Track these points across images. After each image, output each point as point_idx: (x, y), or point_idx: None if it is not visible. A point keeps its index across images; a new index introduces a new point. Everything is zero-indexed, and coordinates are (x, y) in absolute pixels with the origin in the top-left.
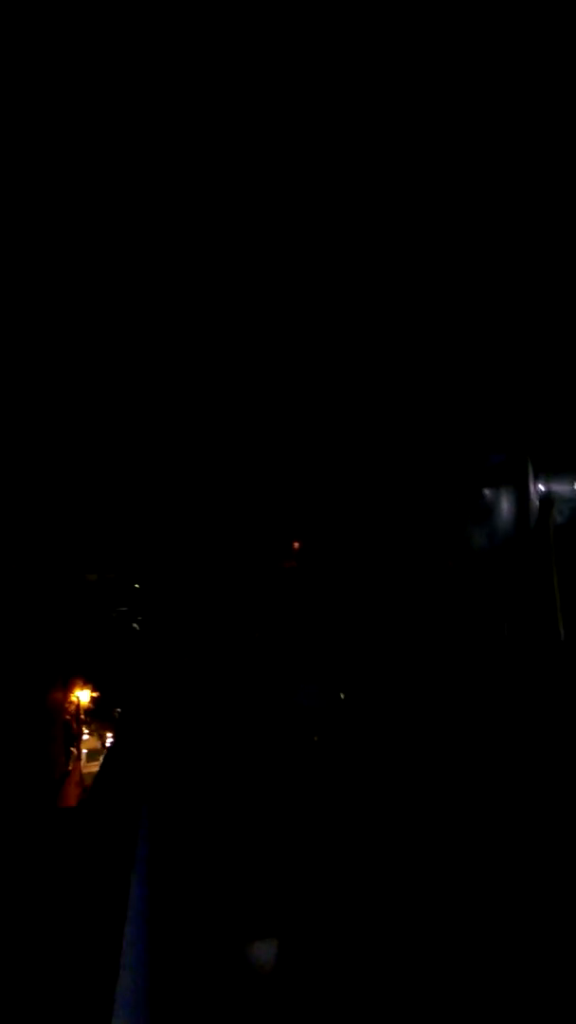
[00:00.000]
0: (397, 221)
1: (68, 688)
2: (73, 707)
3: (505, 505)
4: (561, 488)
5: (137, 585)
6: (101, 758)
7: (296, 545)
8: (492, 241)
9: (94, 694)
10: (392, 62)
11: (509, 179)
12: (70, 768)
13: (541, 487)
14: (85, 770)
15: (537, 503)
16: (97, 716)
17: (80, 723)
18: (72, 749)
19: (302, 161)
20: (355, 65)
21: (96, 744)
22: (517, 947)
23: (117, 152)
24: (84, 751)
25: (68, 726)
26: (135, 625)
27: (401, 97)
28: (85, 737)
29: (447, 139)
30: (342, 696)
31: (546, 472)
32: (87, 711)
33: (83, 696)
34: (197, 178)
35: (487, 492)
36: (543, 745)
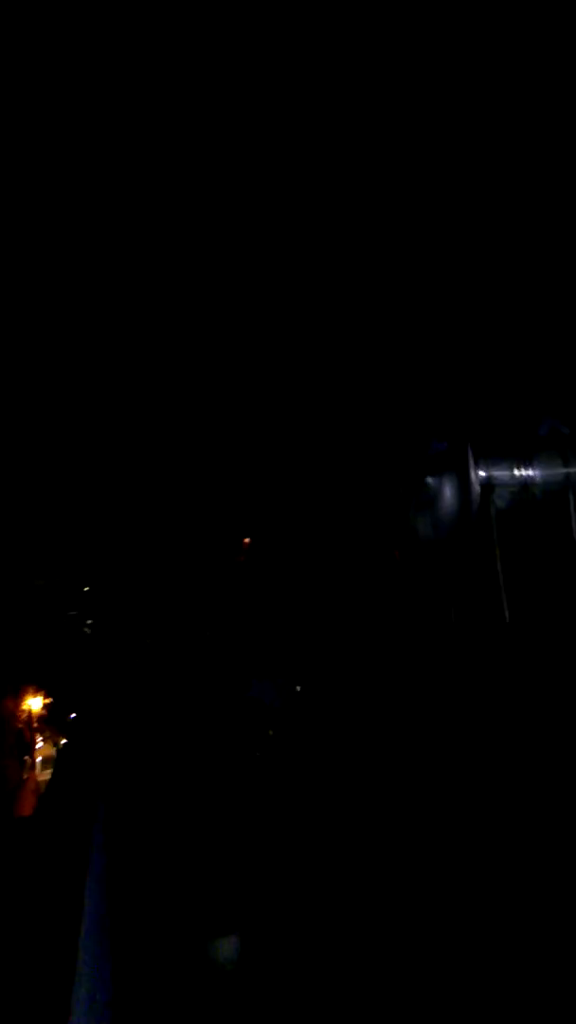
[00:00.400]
0: (343, 221)
1: (19, 696)
2: (25, 715)
3: (448, 492)
4: (500, 474)
5: (87, 588)
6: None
7: (246, 541)
8: (433, 241)
9: (46, 701)
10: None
11: (451, 184)
12: (25, 777)
13: (482, 473)
14: (40, 778)
15: (478, 489)
16: (51, 723)
17: (33, 731)
18: (26, 758)
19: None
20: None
21: (50, 751)
22: (460, 923)
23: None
24: (38, 759)
25: (21, 735)
26: (86, 628)
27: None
28: (39, 745)
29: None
30: (298, 689)
31: (486, 458)
32: (40, 718)
33: (35, 703)
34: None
35: (430, 480)
36: (493, 725)
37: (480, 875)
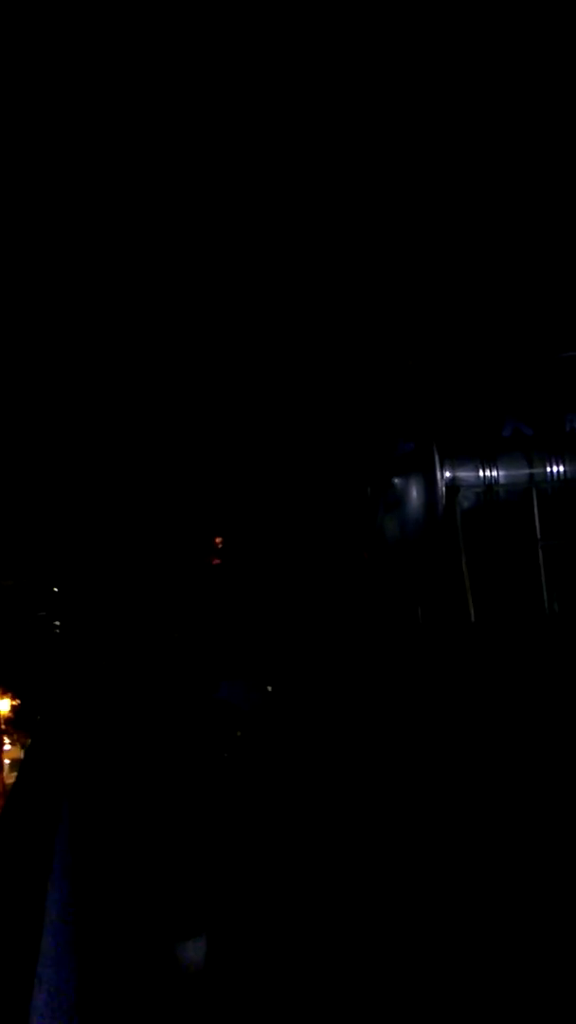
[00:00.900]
0: (313, 223)
1: None
2: None
3: (414, 492)
4: (465, 474)
5: (56, 589)
6: None
7: (218, 541)
8: (400, 242)
9: (14, 702)
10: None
11: (415, 189)
12: None
13: (447, 474)
14: (8, 781)
15: (444, 490)
16: (18, 725)
17: (1, 733)
18: None
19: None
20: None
21: (18, 754)
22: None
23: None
24: (6, 762)
25: None
26: (55, 625)
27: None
28: (7, 747)
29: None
30: (269, 689)
31: (451, 459)
32: (7, 720)
33: (3, 705)
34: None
35: (397, 480)
36: (462, 724)
37: (456, 874)
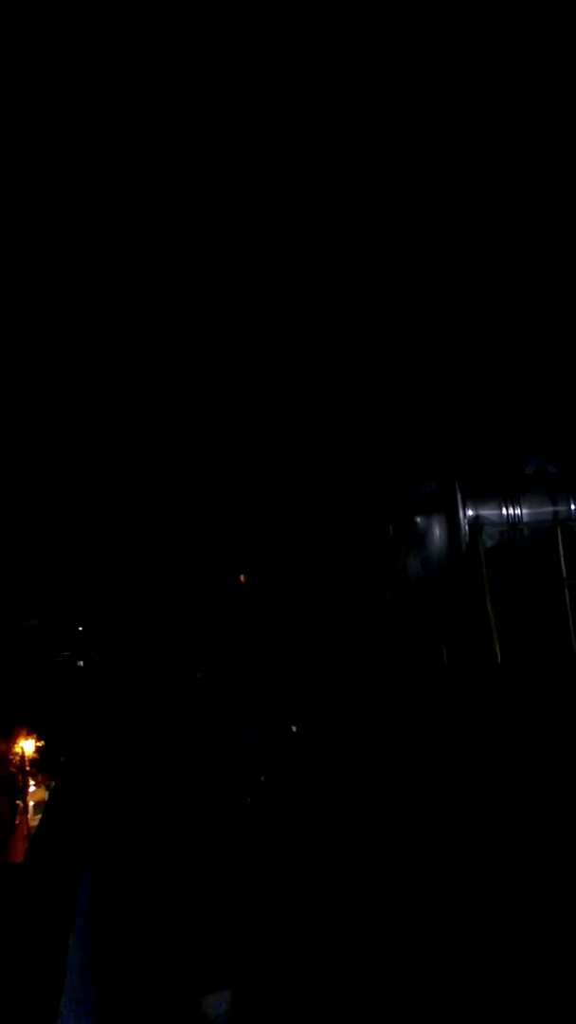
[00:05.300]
0: (323, 246)
1: (11, 739)
2: (17, 759)
3: (437, 531)
4: (489, 512)
5: (80, 628)
6: None
7: (242, 578)
8: (421, 278)
9: (39, 743)
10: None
11: (431, 216)
12: (16, 822)
13: (470, 512)
14: (32, 823)
15: (467, 528)
16: (43, 767)
17: (25, 775)
18: (18, 802)
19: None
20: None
21: (43, 796)
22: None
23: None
24: (31, 803)
25: (13, 779)
26: (80, 663)
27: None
28: (31, 789)
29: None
30: (293, 729)
31: (474, 497)
32: (32, 762)
33: (28, 746)
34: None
35: (419, 519)
36: (486, 767)
37: (475, 925)
